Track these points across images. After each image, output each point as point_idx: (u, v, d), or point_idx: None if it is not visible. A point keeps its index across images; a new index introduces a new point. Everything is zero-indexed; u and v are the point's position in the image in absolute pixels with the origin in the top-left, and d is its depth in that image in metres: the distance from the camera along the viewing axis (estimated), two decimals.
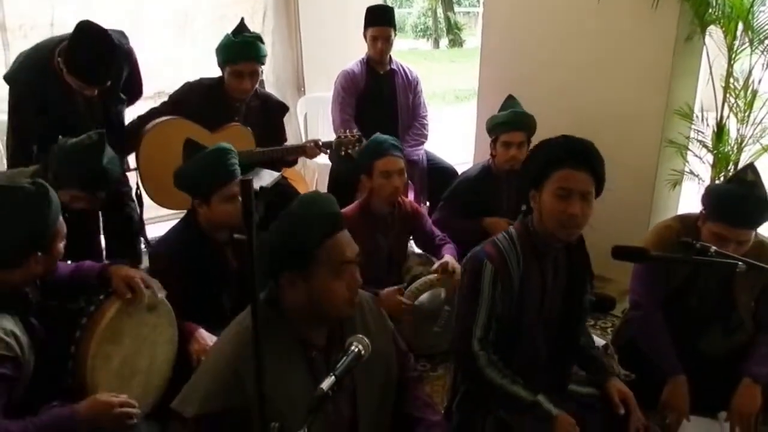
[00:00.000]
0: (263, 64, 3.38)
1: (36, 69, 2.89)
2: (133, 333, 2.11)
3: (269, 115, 3.58)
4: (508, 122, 3.37)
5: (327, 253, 1.54)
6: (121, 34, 3.04)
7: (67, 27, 4.01)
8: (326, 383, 1.27)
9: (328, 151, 3.62)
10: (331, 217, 1.58)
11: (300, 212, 1.55)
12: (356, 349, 1.38)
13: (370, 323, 1.72)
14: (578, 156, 1.90)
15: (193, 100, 3.34)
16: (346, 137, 3.55)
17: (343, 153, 3.54)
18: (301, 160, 4.45)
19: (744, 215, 2.22)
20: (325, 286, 1.54)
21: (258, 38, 3.34)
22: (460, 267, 2.17)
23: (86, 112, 2.98)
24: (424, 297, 3.06)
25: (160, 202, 3.40)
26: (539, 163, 1.96)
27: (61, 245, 1.95)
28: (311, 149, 3.56)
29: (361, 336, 1.42)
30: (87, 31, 2.77)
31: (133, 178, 3.41)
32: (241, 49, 3.27)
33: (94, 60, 2.78)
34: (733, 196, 2.23)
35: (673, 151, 3.68)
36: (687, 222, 2.46)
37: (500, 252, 1.98)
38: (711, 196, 2.34)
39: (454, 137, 6.99)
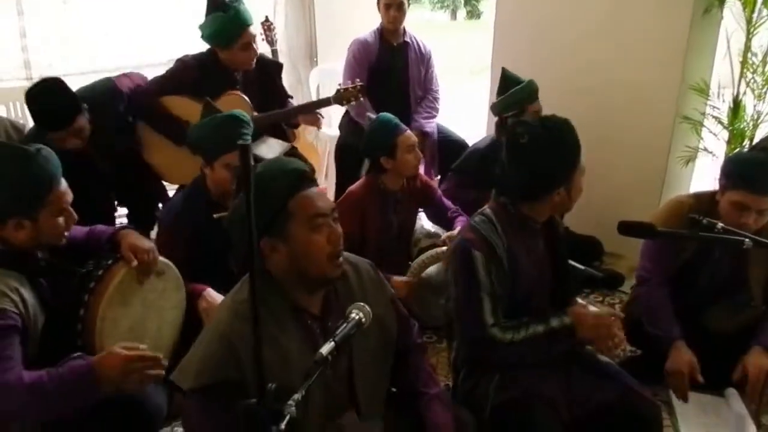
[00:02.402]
0: None
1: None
2: (141, 297, 2.14)
3: (266, 75, 3.55)
4: (533, 92, 3.36)
5: (298, 207, 1.52)
6: (106, 80, 3.22)
7: None
8: (326, 348, 1.28)
9: (329, 105, 3.57)
10: (296, 172, 1.55)
11: (263, 172, 1.53)
12: (357, 317, 1.39)
13: (368, 287, 1.72)
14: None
15: (189, 76, 3.32)
16: (347, 90, 3.47)
17: (344, 103, 3.50)
18: (314, 131, 4.43)
19: (767, 182, 2.21)
20: (303, 240, 1.52)
21: (241, 1, 3.32)
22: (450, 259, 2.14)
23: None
24: (430, 269, 3.07)
25: (162, 176, 3.50)
26: (573, 157, 1.98)
27: (57, 219, 1.89)
28: (312, 116, 3.58)
29: (362, 304, 1.42)
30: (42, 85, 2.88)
31: None
32: (239, 18, 3.25)
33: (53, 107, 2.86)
34: (757, 163, 2.21)
35: (687, 128, 3.62)
36: (702, 198, 2.44)
37: (482, 237, 1.96)
38: (733, 163, 2.32)
39: (467, 112, 6.91)
